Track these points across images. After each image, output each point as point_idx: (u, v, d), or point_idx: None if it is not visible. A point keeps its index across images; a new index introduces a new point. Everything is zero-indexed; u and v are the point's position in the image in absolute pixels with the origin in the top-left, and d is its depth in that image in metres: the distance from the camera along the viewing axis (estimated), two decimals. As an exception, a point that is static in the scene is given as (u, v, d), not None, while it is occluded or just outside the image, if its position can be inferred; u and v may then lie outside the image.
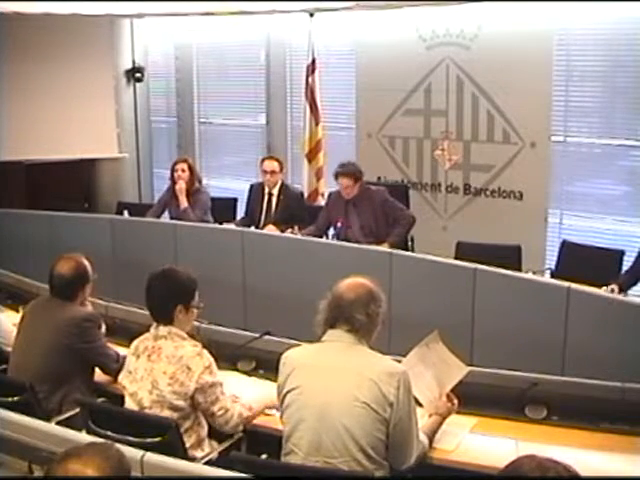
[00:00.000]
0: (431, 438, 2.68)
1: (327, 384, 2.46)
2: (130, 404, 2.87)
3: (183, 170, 5.98)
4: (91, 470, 1.61)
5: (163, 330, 2.88)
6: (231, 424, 2.86)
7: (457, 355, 2.98)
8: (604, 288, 4.29)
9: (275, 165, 5.91)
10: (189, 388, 2.77)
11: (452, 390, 2.86)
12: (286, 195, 5.93)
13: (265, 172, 5.90)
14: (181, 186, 5.92)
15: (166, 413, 2.78)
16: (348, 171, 5.37)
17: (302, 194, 6.27)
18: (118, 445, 1.80)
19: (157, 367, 2.81)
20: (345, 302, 2.53)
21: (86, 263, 3.42)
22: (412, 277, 4.66)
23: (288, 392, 2.53)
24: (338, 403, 2.42)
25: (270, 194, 5.94)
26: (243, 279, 5.31)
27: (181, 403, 2.78)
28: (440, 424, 2.77)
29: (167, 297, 2.89)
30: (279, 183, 5.93)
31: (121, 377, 2.96)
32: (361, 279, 2.61)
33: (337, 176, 5.43)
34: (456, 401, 2.84)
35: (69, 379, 3.22)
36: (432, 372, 2.89)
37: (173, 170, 6.04)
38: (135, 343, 2.96)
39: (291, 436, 2.50)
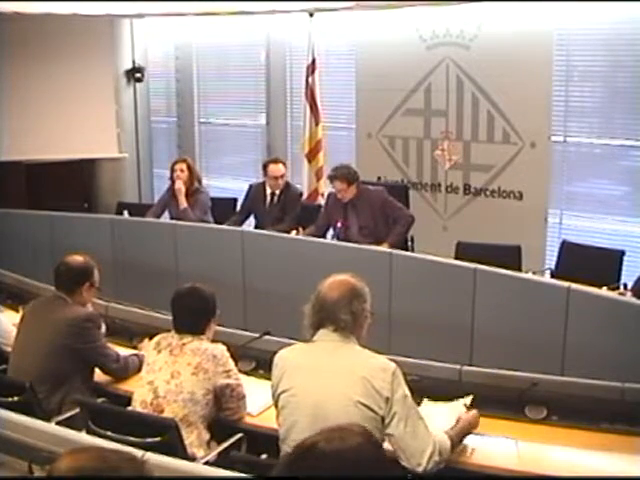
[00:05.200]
0: (455, 441, 2.55)
1: (320, 385, 2.46)
2: (143, 394, 2.92)
3: (182, 170, 5.97)
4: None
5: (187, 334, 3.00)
6: (241, 411, 3.00)
7: (457, 355, 2.98)
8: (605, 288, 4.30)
9: (281, 168, 5.91)
10: (216, 376, 2.88)
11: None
12: (287, 195, 5.95)
13: (274, 177, 5.88)
14: (179, 186, 5.91)
15: (176, 405, 2.82)
16: (340, 174, 5.35)
17: (301, 194, 6.27)
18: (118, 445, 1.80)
19: (181, 360, 2.91)
20: (328, 303, 2.52)
21: (94, 266, 3.47)
22: (412, 277, 4.66)
23: (281, 394, 2.53)
24: (332, 404, 2.41)
25: (272, 194, 5.96)
26: (243, 279, 5.31)
27: (199, 392, 2.85)
28: (466, 430, 2.66)
29: (201, 314, 3.04)
30: (282, 184, 5.95)
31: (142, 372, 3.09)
32: (343, 276, 2.60)
33: (330, 179, 5.44)
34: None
35: (69, 379, 3.22)
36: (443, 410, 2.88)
37: (172, 170, 6.04)
38: (157, 339, 3.06)
39: (287, 438, 2.49)
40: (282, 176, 5.91)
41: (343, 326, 2.51)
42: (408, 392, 2.46)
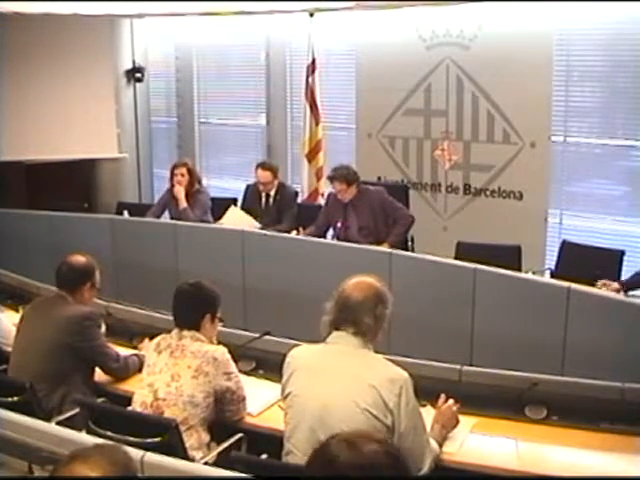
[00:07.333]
0: (440, 444, 2.65)
1: (328, 388, 2.45)
2: (142, 395, 2.91)
3: (182, 175, 5.92)
4: (96, 474, 1.59)
5: (187, 333, 2.97)
6: (242, 412, 2.99)
7: (457, 355, 2.98)
8: (600, 284, 4.28)
9: (268, 175, 5.90)
10: (216, 379, 2.86)
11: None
12: (282, 195, 5.97)
13: (259, 182, 5.93)
14: (178, 189, 5.91)
15: (176, 408, 2.82)
16: (339, 175, 5.35)
17: (296, 193, 6.26)
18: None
19: (181, 363, 2.90)
20: (353, 304, 2.50)
21: (96, 266, 3.47)
22: (412, 277, 4.65)
23: (289, 393, 2.54)
24: (338, 408, 2.41)
25: (267, 195, 5.98)
26: (243, 279, 5.31)
27: (200, 396, 2.84)
28: (445, 433, 2.72)
29: (197, 305, 3.01)
30: (275, 186, 5.95)
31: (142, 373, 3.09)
32: (368, 279, 2.58)
33: (330, 180, 5.45)
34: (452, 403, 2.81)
35: (69, 378, 3.22)
36: None
37: (172, 174, 6.01)
38: (156, 340, 3.05)
39: (291, 437, 2.50)
40: (268, 183, 5.90)
41: (364, 330, 2.50)
42: (416, 404, 2.45)
